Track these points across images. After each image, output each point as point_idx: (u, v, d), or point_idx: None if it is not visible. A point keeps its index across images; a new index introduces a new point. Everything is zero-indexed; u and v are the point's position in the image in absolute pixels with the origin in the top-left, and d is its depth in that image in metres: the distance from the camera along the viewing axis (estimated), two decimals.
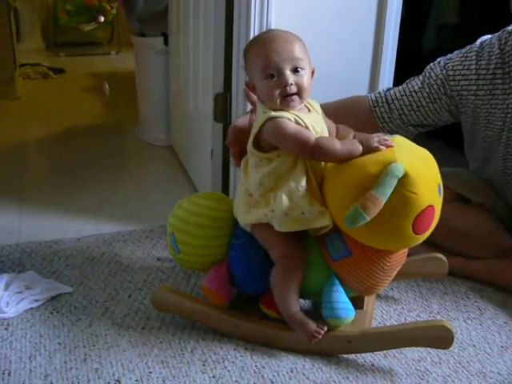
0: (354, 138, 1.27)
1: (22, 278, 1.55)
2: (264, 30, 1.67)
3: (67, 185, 2.27)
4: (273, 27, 1.67)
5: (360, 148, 1.17)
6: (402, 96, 1.63)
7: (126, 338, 1.36)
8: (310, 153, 1.18)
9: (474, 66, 1.54)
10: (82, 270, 1.64)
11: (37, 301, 1.47)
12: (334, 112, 1.35)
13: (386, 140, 1.18)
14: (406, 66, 2.03)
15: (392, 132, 1.60)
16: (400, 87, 1.65)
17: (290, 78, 1.19)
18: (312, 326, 1.26)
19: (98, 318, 1.43)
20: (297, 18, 1.67)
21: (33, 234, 1.84)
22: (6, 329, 1.38)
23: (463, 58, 1.57)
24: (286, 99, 1.20)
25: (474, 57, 1.55)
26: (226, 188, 1.94)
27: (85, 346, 1.33)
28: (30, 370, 1.25)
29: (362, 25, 1.79)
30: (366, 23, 1.79)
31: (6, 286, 1.49)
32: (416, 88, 1.62)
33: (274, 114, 1.20)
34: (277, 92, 1.19)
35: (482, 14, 1.78)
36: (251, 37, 1.67)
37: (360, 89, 1.86)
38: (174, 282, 1.58)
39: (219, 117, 1.89)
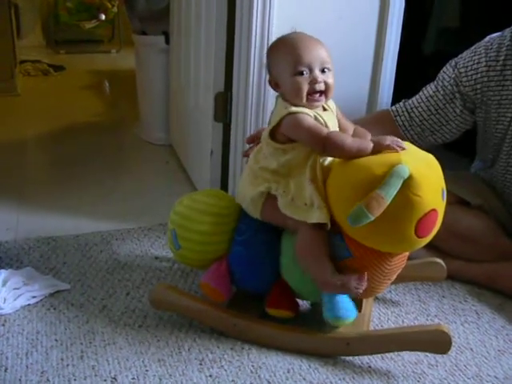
0: (355, 131, 1.32)
1: (20, 274, 1.55)
2: (266, 29, 1.68)
3: (66, 182, 2.27)
4: (274, 27, 1.68)
5: (370, 146, 1.19)
6: (419, 103, 1.67)
7: (123, 335, 1.36)
8: (321, 145, 1.20)
9: (483, 59, 1.57)
10: (79, 267, 1.63)
11: (34, 297, 1.47)
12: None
13: (398, 141, 1.19)
14: (407, 69, 2.03)
15: (412, 142, 1.62)
16: (417, 95, 1.69)
17: (320, 76, 1.24)
18: (352, 280, 1.21)
19: (95, 315, 1.43)
20: (298, 17, 1.67)
21: (31, 230, 1.84)
22: (3, 325, 1.38)
23: (472, 54, 1.60)
24: (312, 96, 1.24)
25: (482, 50, 1.58)
26: (224, 187, 1.94)
27: (82, 343, 1.33)
28: (27, 367, 1.25)
29: (363, 26, 1.79)
30: (368, 25, 1.79)
31: (4, 282, 1.49)
32: (431, 92, 1.65)
33: (294, 109, 1.24)
34: (306, 88, 1.23)
35: (483, 18, 1.79)
36: (253, 36, 1.69)
37: (360, 92, 1.87)
38: (171, 281, 1.58)
39: (219, 116, 1.89)
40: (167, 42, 2.57)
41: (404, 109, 1.69)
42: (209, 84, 1.93)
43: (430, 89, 1.67)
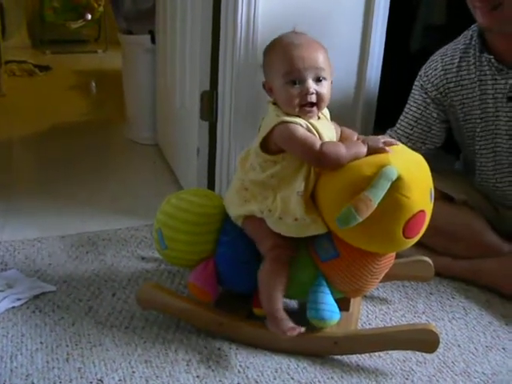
0: (358, 139, 1.28)
1: (4, 276, 1.53)
2: (251, 28, 1.67)
3: (52, 182, 2.25)
4: (260, 26, 1.67)
5: (365, 150, 1.18)
6: (400, 123, 1.74)
7: (110, 337, 1.35)
8: (316, 160, 1.18)
9: (440, 64, 1.65)
10: (65, 268, 1.62)
11: (19, 299, 1.45)
12: None
13: (390, 142, 1.19)
14: (394, 67, 2.03)
15: None
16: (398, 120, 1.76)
17: (312, 86, 1.19)
18: (289, 324, 1.24)
19: (81, 317, 1.41)
20: (283, 18, 1.66)
21: (16, 231, 1.82)
22: None
23: (431, 62, 1.69)
24: (304, 108, 1.20)
25: (438, 57, 1.67)
26: (211, 186, 1.93)
27: (67, 346, 1.31)
28: (11, 370, 1.23)
29: (349, 23, 1.79)
30: (354, 20, 1.79)
31: None
32: (406, 109, 1.73)
33: (287, 118, 1.20)
34: (297, 100, 1.19)
35: (469, 16, 1.79)
36: (238, 34, 1.67)
37: (346, 89, 1.86)
38: (158, 282, 1.57)
39: (205, 115, 1.88)
40: (153, 41, 2.55)
41: (390, 133, 1.75)
42: (195, 83, 1.92)
43: (405, 107, 1.74)
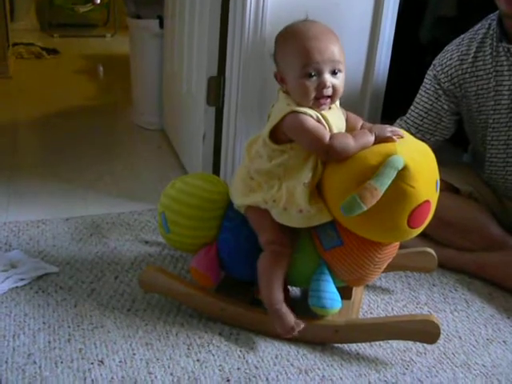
0: (362, 127, 1.27)
1: (8, 256, 1.54)
2: (260, 13, 1.66)
3: (57, 165, 2.25)
4: (269, 11, 1.66)
5: (372, 139, 1.17)
6: (410, 113, 1.73)
7: (111, 319, 1.35)
8: (324, 152, 1.17)
9: (456, 54, 1.63)
10: (69, 250, 1.62)
11: (22, 280, 1.46)
12: None
13: (397, 131, 1.18)
14: (404, 58, 2.02)
15: None
16: (408, 110, 1.75)
17: (329, 80, 1.17)
18: (291, 321, 1.25)
19: (83, 298, 1.42)
20: (292, 4, 1.65)
21: (21, 213, 1.83)
22: None
23: (445, 52, 1.67)
24: (319, 101, 1.18)
25: (454, 47, 1.65)
26: (216, 172, 1.93)
27: (69, 327, 1.32)
28: (14, 349, 1.24)
29: (358, 13, 1.77)
30: (363, 11, 1.78)
31: None
32: (417, 100, 1.72)
33: (297, 108, 1.18)
34: (313, 93, 1.17)
35: (480, 7, 1.78)
36: (247, 20, 1.66)
37: (355, 78, 1.85)
38: (161, 266, 1.57)
39: (212, 100, 1.87)
40: (161, 26, 2.54)
41: (399, 123, 1.75)
42: (202, 68, 1.91)
43: (416, 97, 1.73)
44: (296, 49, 1.17)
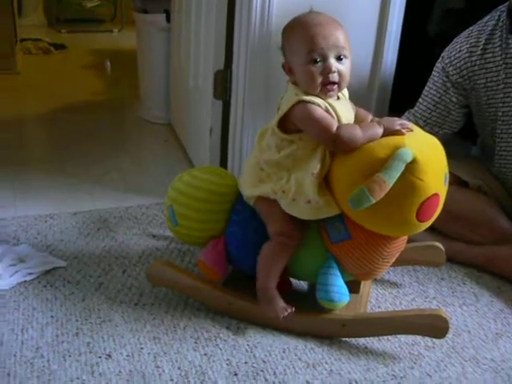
0: (372, 122, 1.26)
1: (17, 251, 1.54)
2: (266, 6, 1.65)
3: (65, 160, 2.25)
4: (275, 4, 1.65)
5: (380, 131, 1.16)
6: (419, 106, 1.72)
7: (119, 313, 1.35)
8: (331, 142, 1.17)
9: (465, 46, 1.62)
10: (76, 244, 1.63)
11: (30, 274, 1.46)
12: None
13: (406, 124, 1.18)
14: (412, 51, 2.01)
15: None
16: (417, 102, 1.74)
17: (334, 65, 1.17)
18: (281, 303, 1.27)
19: (91, 292, 1.42)
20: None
21: (29, 207, 1.83)
22: None
23: (454, 44, 1.65)
24: (326, 87, 1.18)
25: (463, 39, 1.63)
26: (224, 166, 1.92)
27: (77, 320, 1.32)
28: (22, 342, 1.25)
29: (366, 5, 1.76)
30: (370, 3, 1.77)
31: (0, 258, 1.48)
32: (425, 92, 1.71)
33: (306, 97, 1.18)
34: (319, 78, 1.17)
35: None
36: (253, 13, 1.66)
37: (362, 71, 1.84)
38: (168, 259, 1.57)
39: (219, 94, 1.87)
40: (168, 20, 2.54)
41: (407, 116, 1.74)
42: (209, 62, 1.91)
43: (424, 90, 1.72)
44: (301, 36, 1.18)
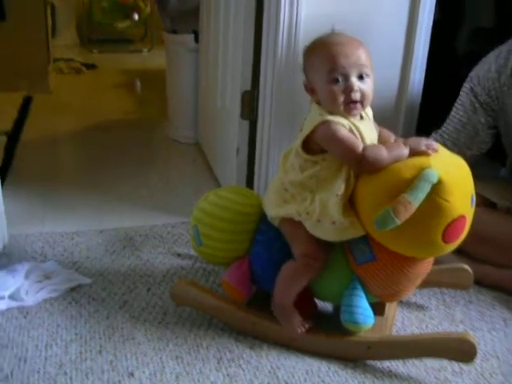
0: (395, 141, 1.25)
1: (43, 267, 1.56)
2: (293, 27, 1.66)
3: (93, 178, 2.29)
4: (302, 25, 1.66)
5: (406, 152, 1.15)
6: (446, 126, 1.71)
7: (142, 331, 1.35)
8: (356, 163, 1.16)
9: (493, 66, 1.60)
10: (102, 262, 1.64)
11: (56, 291, 1.48)
12: None
13: (432, 144, 1.16)
14: (440, 70, 1.99)
15: None
16: (444, 123, 1.73)
17: (356, 84, 1.17)
18: (298, 319, 1.28)
19: (115, 310, 1.43)
20: (325, 20, 1.64)
21: (56, 224, 1.86)
22: (25, 317, 1.39)
23: (483, 64, 1.64)
24: (349, 106, 1.18)
25: (492, 59, 1.62)
26: (250, 186, 1.93)
27: (101, 338, 1.33)
28: (46, 359, 1.26)
29: (393, 24, 1.76)
30: (398, 22, 1.77)
31: (27, 275, 1.50)
32: (453, 113, 1.70)
33: (330, 117, 1.18)
34: (341, 98, 1.17)
35: None
36: (280, 34, 1.67)
37: (389, 92, 1.84)
38: (193, 279, 1.57)
39: (246, 114, 1.88)
40: (197, 40, 2.57)
41: (435, 136, 1.72)
42: (236, 82, 1.92)
43: (452, 111, 1.70)
44: (323, 56, 1.19)
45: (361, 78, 1.18)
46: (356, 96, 1.17)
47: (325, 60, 1.18)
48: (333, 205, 1.18)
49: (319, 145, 1.20)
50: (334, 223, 1.19)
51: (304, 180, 1.23)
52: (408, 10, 1.76)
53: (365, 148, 1.16)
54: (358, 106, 1.19)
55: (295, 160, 1.24)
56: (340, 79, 1.17)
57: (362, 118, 1.23)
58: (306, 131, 1.21)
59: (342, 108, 1.18)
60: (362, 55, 1.18)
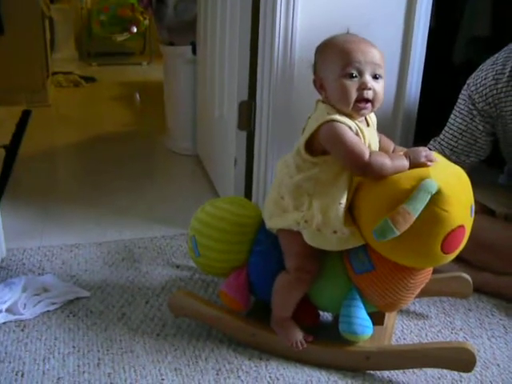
0: (394, 150, 1.25)
1: (41, 280, 1.56)
2: (289, 38, 1.66)
3: (92, 190, 2.29)
4: (297, 36, 1.66)
5: (407, 165, 1.13)
6: (444, 134, 1.71)
7: (141, 344, 1.35)
8: (361, 169, 1.14)
9: (490, 74, 1.60)
10: (100, 274, 1.64)
11: (54, 304, 1.47)
12: None
13: (431, 155, 1.14)
14: (437, 78, 2.00)
15: None
16: (442, 131, 1.73)
17: (370, 82, 1.14)
18: (299, 335, 1.28)
19: (113, 323, 1.42)
20: (320, 30, 1.64)
21: (55, 237, 1.86)
22: (22, 330, 1.38)
23: (480, 72, 1.64)
24: (359, 104, 1.15)
25: (489, 67, 1.62)
26: (248, 196, 1.93)
27: (99, 351, 1.32)
28: (43, 373, 1.25)
29: (389, 33, 1.76)
30: (394, 31, 1.77)
31: (24, 288, 1.50)
32: (451, 121, 1.70)
33: (337, 117, 1.14)
34: (354, 94, 1.14)
35: None
36: (276, 44, 1.67)
37: (386, 99, 1.83)
38: (191, 290, 1.57)
39: (243, 125, 1.88)
40: (194, 52, 2.58)
41: (433, 144, 1.73)
42: (233, 93, 1.92)
43: (450, 118, 1.71)
44: (338, 51, 1.16)
45: (375, 77, 1.15)
46: (369, 94, 1.14)
47: (340, 55, 1.15)
48: (335, 214, 1.16)
49: (322, 145, 1.16)
50: (335, 232, 1.17)
51: (300, 182, 1.20)
52: (404, 18, 1.76)
53: (371, 155, 1.13)
54: (369, 105, 1.16)
55: (293, 159, 1.21)
56: (354, 75, 1.14)
57: (368, 125, 1.21)
58: (311, 129, 1.17)
59: (351, 106, 1.15)
60: (377, 55, 1.16)
